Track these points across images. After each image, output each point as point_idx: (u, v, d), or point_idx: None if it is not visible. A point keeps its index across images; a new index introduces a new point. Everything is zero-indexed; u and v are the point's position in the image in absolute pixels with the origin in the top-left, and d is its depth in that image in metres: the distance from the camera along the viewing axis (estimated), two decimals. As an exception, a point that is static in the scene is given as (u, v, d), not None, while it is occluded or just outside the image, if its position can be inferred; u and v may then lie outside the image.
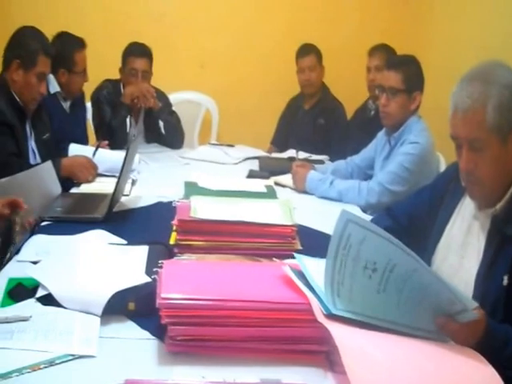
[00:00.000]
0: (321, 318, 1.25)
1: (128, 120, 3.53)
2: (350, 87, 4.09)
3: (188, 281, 1.39)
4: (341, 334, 1.21)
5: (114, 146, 3.41)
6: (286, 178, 2.74)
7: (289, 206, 1.94)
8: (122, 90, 3.54)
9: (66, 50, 3.17)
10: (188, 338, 1.26)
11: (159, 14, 4.51)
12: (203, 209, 1.87)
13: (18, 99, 2.71)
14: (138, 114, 3.56)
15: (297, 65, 3.93)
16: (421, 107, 2.65)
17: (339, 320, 1.27)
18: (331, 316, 1.27)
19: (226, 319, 1.26)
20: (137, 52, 3.52)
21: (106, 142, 3.17)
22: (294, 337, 1.27)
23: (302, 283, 1.34)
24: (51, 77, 3.14)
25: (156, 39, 4.11)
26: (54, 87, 3.23)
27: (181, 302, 1.26)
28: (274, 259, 1.69)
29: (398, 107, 2.57)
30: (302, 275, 1.39)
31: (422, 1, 4.46)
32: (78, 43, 3.26)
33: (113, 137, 3.43)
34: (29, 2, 4.33)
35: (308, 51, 3.88)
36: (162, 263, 1.48)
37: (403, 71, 2.55)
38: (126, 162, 2.29)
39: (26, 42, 2.69)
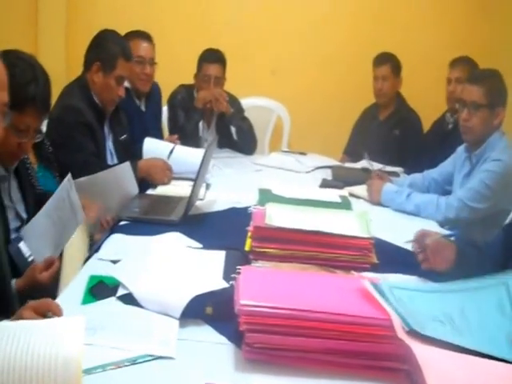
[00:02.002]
0: (402, 335, 1.22)
1: (201, 124, 3.59)
2: (427, 99, 4.00)
3: (266, 288, 1.39)
4: (423, 352, 1.18)
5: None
6: (361, 189, 2.70)
7: (365, 218, 1.91)
8: (196, 95, 3.59)
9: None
10: (265, 346, 1.26)
11: (234, 20, 4.55)
12: (279, 216, 1.88)
13: (97, 100, 2.78)
14: (211, 119, 3.61)
15: (372, 73, 3.88)
16: (504, 123, 2.56)
17: (420, 338, 1.24)
18: (413, 333, 1.24)
19: (304, 330, 1.26)
20: (210, 58, 3.57)
21: (176, 136, 3.21)
22: (374, 352, 1.25)
23: (382, 299, 1.32)
24: None
25: (230, 45, 4.16)
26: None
27: (260, 309, 1.26)
28: (353, 272, 1.67)
29: (480, 123, 2.49)
30: (381, 290, 1.36)
31: (501, 12, 4.33)
32: (141, 34, 3.28)
33: (186, 141, 3.49)
34: (109, 6, 4.47)
35: (384, 61, 3.82)
36: (240, 269, 1.49)
37: (486, 85, 2.48)
38: (203, 165, 2.32)
39: (106, 45, 2.77)
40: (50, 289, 1.77)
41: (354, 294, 1.38)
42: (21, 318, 1.25)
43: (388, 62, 3.82)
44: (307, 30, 4.58)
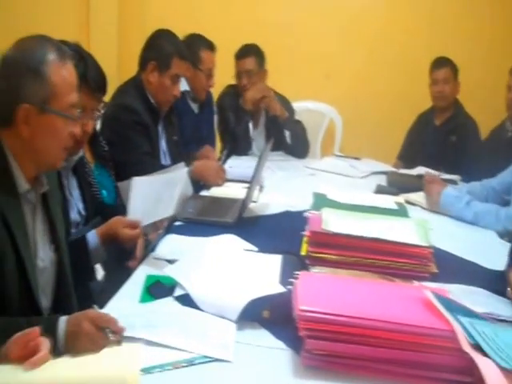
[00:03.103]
0: (466, 348, 1.19)
1: (250, 125, 3.59)
2: (484, 106, 3.91)
3: (325, 294, 1.37)
4: (487, 365, 1.14)
5: (237, 152, 3.50)
6: (418, 196, 2.64)
7: (425, 227, 1.87)
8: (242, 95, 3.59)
9: (193, 47, 3.24)
10: (324, 353, 1.24)
11: (287, 24, 4.54)
12: (335, 222, 1.85)
13: (152, 100, 2.80)
14: (258, 118, 3.61)
15: (430, 77, 3.80)
16: None
17: (483, 352, 1.20)
18: (477, 346, 1.20)
19: (365, 338, 1.24)
20: (239, 54, 3.57)
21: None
22: (436, 364, 1.22)
23: (445, 310, 1.28)
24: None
25: (283, 48, 4.16)
26: (183, 85, 3.30)
27: (320, 315, 1.25)
28: (414, 282, 1.63)
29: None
30: (444, 302, 1.33)
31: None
32: (207, 43, 3.35)
33: (236, 143, 3.50)
34: (162, 6, 4.52)
35: (444, 64, 3.74)
36: (298, 274, 1.48)
37: None
38: (258, 168, 2.32)
39: (161, 44, 2.79)
40: (128, 253, 1.80)
41: (416, 304, 1.35)
42: (79, 326, 1.25)
43: (448, 65, 3.74)
44: (361, 35, 4.54)
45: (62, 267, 1.61)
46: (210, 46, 3.35)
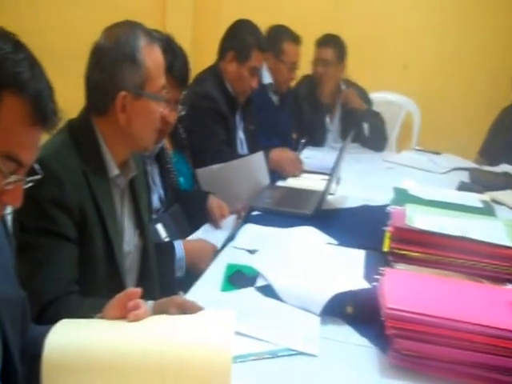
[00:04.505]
0: None
1: (327, 118, 3.55)
2: None
3: (413, 293, 1.33)
4: None
5: (313, 143, 3.46)
6: (506, 195, 2.53)
7: (515, 227, 1.78)
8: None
9: (276, 38, 3.22)
10: (413, 353, 1.21)
11: (365, 13, 4.44)
12: (419, 218, 1.79)
13: (230, 89, 2.81)
14: (334, 109, 3.57)
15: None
16: None
17: None
18: None
19: (455, 341, 1.19)
20: (320, 42, 3.50)
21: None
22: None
23: (544, 316, 1.22)
24: (264, 68, 3.22)
25: (360, 37, 4.06)
26: (267, 78, 3.30)
27: (409, 315, 1.21)
28: (508, 285, 1.56)
29: None
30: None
31: None
32: (291, 36, 3.30)
33: (312, 134, 3.46)
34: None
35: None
36: (383, 271, 1.44)
37: None
38: (338, 160, 2.28)
39: (242, 35, 2.78)
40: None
41: (507, 307, 1.29)
42: (166, 312, 1.25)
43: None
44: (441, 24, 4.38)
45: (146, 253, 1.63)
46: (295, 39, 3.29)
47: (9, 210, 1.01)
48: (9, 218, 1.23)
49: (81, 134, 1.46)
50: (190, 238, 2.03)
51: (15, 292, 1.03)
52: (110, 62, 1.42)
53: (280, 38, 3.25)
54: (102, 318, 1.08)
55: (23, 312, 1.04)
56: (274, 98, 3.40)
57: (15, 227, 1.34)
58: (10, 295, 1.00)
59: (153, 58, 1.45)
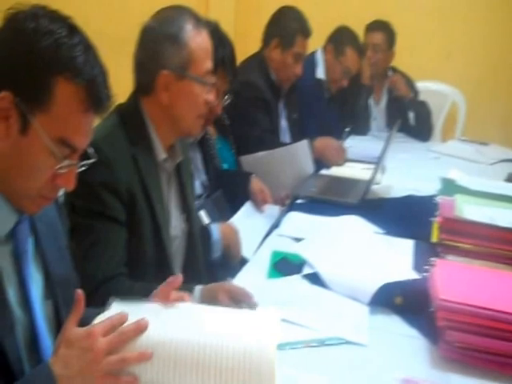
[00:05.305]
0: None
1: (372, 103, 3.49)
2: None
3: (465, 285, 1.31)
4: None
5: (357, 131, 3.41)
6: (558, 188, 2.45)
7: None
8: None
9: (343, 39, 3.12)
10: (464, 345, 1.18)
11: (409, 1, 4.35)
12: (469, 209, 1.75)
13: (274, 77, 2.79)
14: (380, 94, 3.51)
15: None
16: None
17: None
18: None
19: (507, 333, 1.16)
20: (370, 26, 3.44)
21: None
22: None
23: None
24: (320, 60, 3.18)
25: (404, 25, 3.97)
26: (321, 73, 3.21)
27: (462, 307, 1.19)
28: None
29: None
30: None
31: None
32: (357, 45, 3.16)
33: (356, 121, 3.41)
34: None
35: None
36: (434, 261, 1.41)
37: None
38: (385, 149, 2.25)
39: (286, 22, 2.75)
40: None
41: None
42: (215, 297, 1.25)
43: None
44: (486, 9, 4.25)
45: (192, 237, 1.64)
46: (359, 49, 3.17)
47: (60, 191, 1.02)
48: (60, 200, 1.24)
49: (129, 117, 1.46)
50: (232, 220, 2.02)
51: (69, 273, 1.04)
52: (153, 41, 1.43)
53: (347, 40, 3.13)
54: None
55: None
56: (326, 93, 3.34)
57: (67, 209, 1.36)
58: (65, 276, 1.01)
59: (198, 41, 1.44)
